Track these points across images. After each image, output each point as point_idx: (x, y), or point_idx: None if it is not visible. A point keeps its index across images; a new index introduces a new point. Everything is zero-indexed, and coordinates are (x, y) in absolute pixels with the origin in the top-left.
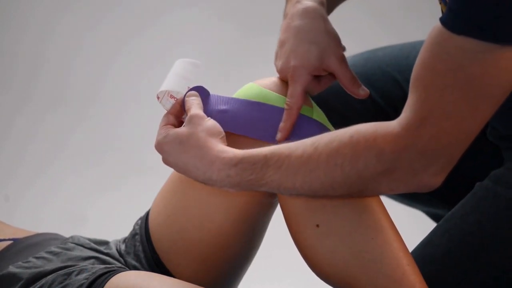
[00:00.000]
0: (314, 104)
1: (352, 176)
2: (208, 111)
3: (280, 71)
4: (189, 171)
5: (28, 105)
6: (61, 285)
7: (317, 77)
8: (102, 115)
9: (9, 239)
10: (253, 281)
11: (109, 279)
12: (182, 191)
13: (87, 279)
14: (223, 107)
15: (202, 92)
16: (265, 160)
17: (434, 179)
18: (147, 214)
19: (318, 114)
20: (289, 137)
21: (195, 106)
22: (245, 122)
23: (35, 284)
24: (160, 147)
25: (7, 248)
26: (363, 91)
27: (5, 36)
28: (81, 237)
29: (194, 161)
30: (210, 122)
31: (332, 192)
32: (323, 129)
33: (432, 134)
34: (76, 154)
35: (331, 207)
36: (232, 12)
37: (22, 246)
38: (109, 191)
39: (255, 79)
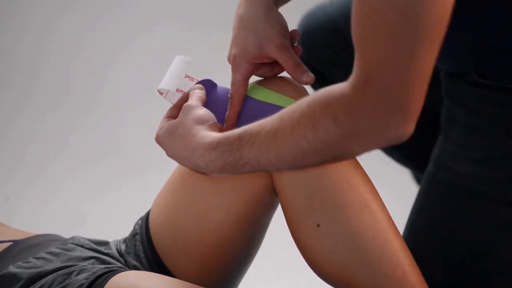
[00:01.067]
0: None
1: (317, 144)
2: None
3: (228, 61)
4: (180, 162)
5: (28, 105)
6: (61, 285)
7: (270, 63)
8: (102, 115)
9: (9, 241)
10: (253, 280)
11: (109, 279)
12: (183, 190)
13: (87, 279)
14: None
15: (208, 84)
16: (239, 140)
17: (401, 130)
18: (148, 214)
19: None
20: None
21: (193, 97)
22: (245, 120)
23: (35, 284)
24: (157, 139)
25: (7, 249)
26: (306, 78)
27: (5, 36)
28: (81, 237)
29: (181, 151)
30: (202, 111)
31: (308, 161)
32: None
33: (379, 89)
34: (76, 154)
35: (332, 207)
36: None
37: (22, 247)
38: (109, 191)
39: (256, 79)
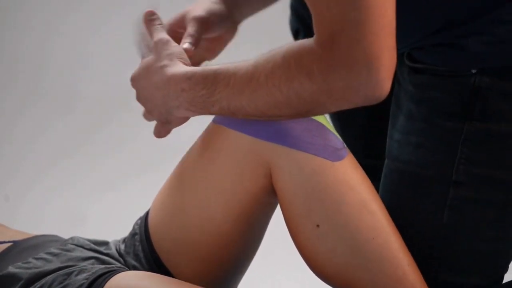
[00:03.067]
0: None
1: (291, 97)
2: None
3: None
4: (151, 100)
5: (29, 106)
6: (61, 285)
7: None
8: (102, 115)
9: (9, 241)
10: (252, 281)
11: (109, 279)
12: (182, 190)
13: (87, 279)
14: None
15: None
16: (215, 75)
17: (375, 88)
18: (147, 214)
19: (320, 115)
20: (282, 135)
21: (157, 30)
22: (247, 120)
23: (35, 284)
24: (132, 77)
25: (7, 250)
26: (185, 45)
27: (8, 38)
28: (81, 238)
29: (155, 84)
30: (178, 48)
31: (279, 112)
32: (322, 129)
33: (345, 47)
34: (76, 154)
35: (332, 207)
36: None
37: (22, 247)
38: (109, 191)
39: None
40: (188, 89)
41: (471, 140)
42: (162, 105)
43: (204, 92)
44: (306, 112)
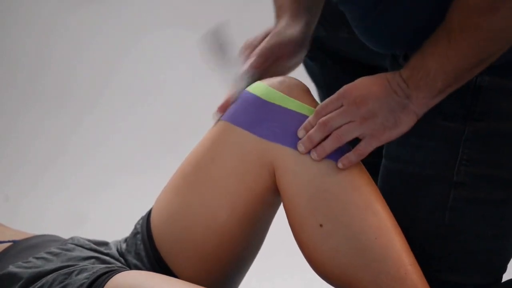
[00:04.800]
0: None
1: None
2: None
3: None
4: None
5: (29, 106)
6: (61, 285)
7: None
8: (103, 115)
9: (8, 241)
10: (255, 280)
11: (110, 278)
12: (186, 190)
13: (87, 278)
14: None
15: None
16: (420, 53)
17: None
18: (149, 213)
19: None
20: (286, 135)
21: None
22: (249, 118)
23: (35, 284)
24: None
25: (7, 250)
26: None
27: (8, 36)
28: (81, 238)
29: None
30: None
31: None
32: None
33: None
34: (76, 154)
35: (335, 207)
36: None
37: (21, 247)
38: (110, 191)
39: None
40: (409, 74)
41: (472, 141)
42: (388, 109)
43: (422, 73)
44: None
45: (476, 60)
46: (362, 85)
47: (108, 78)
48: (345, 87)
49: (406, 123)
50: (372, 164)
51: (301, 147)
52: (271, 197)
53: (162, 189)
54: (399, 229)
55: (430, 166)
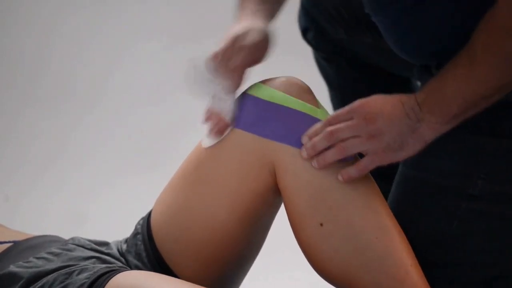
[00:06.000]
0: (321, 106)
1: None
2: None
3: None
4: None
5: (29, 106)
6: (62, 284)
7: None
8: (103, 115)
9: (9, 242)
10: (255, 280)
11: (110, 278)
12: (186, 190)
13: (88, 278)
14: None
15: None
16: (438, 77)
17: None
18: (149, 213)
19: (323, 114)
20: (288, 135)
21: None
22: (250, 119)
23: (36, 283)
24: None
25: (8, 250)
26: None
27: (8, 36)
28: (81, 238)
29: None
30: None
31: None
32: None
33: None
34: (76, 154)
35: (336, 207)
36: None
37: (22, 248)
38: (110, 191)
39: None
40: (425, 96)
41: (494, 156)
42: (398, 132)
43: (437, 97)
44: None
45: (497, 85)
46: (376, 102)
47: (108, 78)
48: (358, 101)
49: (412, 148)
50: (384, 173)
51: (304, 152)
52: (272, 197)
53: (162, 189)
54: (400, 229)
55: (447, 176)
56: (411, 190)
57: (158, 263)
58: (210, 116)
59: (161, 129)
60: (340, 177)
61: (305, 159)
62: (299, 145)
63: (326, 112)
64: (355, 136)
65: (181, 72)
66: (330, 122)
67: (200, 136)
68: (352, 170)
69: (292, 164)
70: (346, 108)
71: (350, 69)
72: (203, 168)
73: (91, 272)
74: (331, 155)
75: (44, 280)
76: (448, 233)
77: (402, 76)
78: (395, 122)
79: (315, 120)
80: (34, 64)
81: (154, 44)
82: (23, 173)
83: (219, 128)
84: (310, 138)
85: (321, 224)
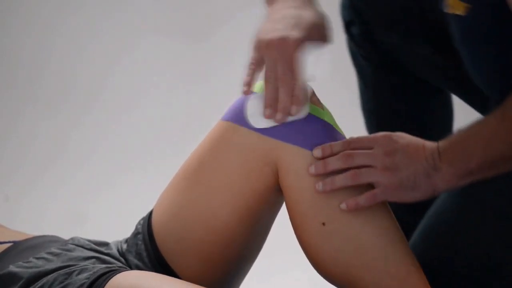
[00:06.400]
0: (325, 107)
1: None
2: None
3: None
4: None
5: (29, 106)
6: (62, 285)
7: None
8: (102, 115)
9: (8, 242)
10: (256, 280)
11: (110, 278)
12: (187, 189)
13: (88, 278)
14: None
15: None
16: (466, 130)
17: None
18: (150, 213)
19: (328, 116)
20: (291, 133)
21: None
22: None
23: (35, 283)
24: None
25: (7, 250)
26: None
27: (7, 37)
28: (81, 238)
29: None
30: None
31: None
32: (330, 129)
33: None
34: (76, 154)
35: (337, 206)
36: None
37: (22, 247)
38: (110, 191)
39: None
40: (447, 146)
41: None
42: (413, 171)
43: (459, 148)
44: None
45: None
46: (400, 138)
47: (108, 78)
48: (383, 134)
49: (423, 191)
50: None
51: (312, 168)
52: (273, 196)
53: (162, 189)
54: (400, 230)
55: (499, 202)
56: (467, 209)
57: (158, 263)
58: (273, 99)
59: (161, 129)
60: (344, 206)
61: (310, 175)
62: (302, 144)
63: (330, 114)
64: (370, 165)
65: (181, 72)
66: (349, 145)
67: (202, 136)
68: (362, 200)
69: (295, 163)
70: (369, 136)
71: (391, 74)
72: (204, 168)
73: (90, 272)
74: (342, 180)
75: (44, 280)
76: (492, 258)
77: (447, 93)
78: (412, 161)
79: (319, 121)
80: (34, 64)
81: (154, 44)
82: (23, 173)
83: (284, 112)
84: (324, 152)
85: (323, 224)
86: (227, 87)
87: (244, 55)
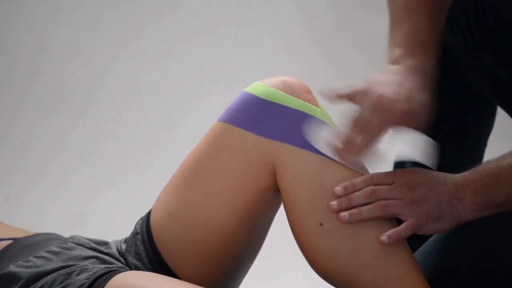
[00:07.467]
0: (321, 106)
1: None
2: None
3: None
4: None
5: (29, 106)
6: (61, 285)
7: None
8: (102, 115)
9: (8, 239)
10: (254, 280)
11: (110, 279)
12: (186, 189)
13: (88, 279)
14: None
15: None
16: (496, 161)
17: None
18: (149, 213)
19: (324, 115)
20: (288, 133)
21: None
22: (249, 118)
23: (35, 284)
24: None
25: (7, 248)
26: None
27: (7, 36)
28: (81, 237)
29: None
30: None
31: None
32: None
33: None
34: (76, 154)
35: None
36: (234, 11)
37: (22, 245)
38: (109, 191)
39: (260, 79)
40: (473, 177)
41: None
42: (436, 201)
43: (488, 180)
44: None
45: None
46: (420, 172)
47: (107, 78)
48: (401, 170)
49: (448, 222)
50: None
51: (335, 205)
52: (271, 196)
53: (161, 189)
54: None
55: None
56: (466, 239)
57: (157, 263)
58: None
59: (161, 129)
60: (385, 238)
61: (332, 211)
62: (299, 144)
63: (326, 112)
64: (396, 198)
65: (181, 72)
66: (370, 180)
67: (200, 136)
68: (394, 235)
69: (292, 163)
70: (389, 172)
71: (443, 78)
72: (202, 168)
73: (90, 273)
74: (370, 211)
75: (44, 280)
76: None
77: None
78: (436, 193)
79: (315, 120)
80: (34, 64)
81: (153, 44)
82: (23, 173)
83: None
84: (346, 190)
85: (321, 224)
86: (227, 87)
87: (244, 56)
